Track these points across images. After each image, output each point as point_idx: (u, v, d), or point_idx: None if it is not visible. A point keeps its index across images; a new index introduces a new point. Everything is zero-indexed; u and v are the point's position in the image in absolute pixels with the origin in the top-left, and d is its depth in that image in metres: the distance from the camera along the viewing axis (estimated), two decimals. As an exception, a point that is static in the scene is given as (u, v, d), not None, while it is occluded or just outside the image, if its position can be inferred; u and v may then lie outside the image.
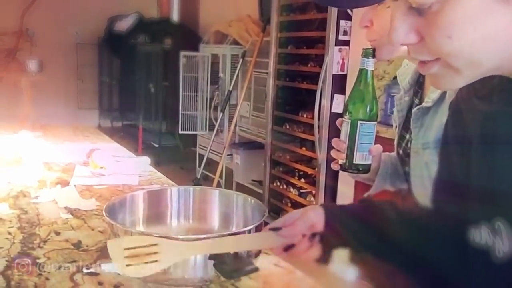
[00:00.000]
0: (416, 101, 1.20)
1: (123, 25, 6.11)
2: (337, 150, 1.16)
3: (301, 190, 3.50)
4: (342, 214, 0.96)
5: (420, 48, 0.60)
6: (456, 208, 0.73)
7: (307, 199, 3.40)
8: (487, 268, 0.67)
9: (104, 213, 0.96)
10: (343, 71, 3.13)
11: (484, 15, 0.54)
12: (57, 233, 1.16)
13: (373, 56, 1.10)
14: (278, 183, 3.71)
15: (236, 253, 0.87)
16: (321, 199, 3.23)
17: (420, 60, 0.62)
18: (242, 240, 0.91)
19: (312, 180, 3.38)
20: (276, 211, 3.66)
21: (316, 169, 3.28)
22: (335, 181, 3.10)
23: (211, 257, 0.86)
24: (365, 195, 1.27)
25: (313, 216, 0.92)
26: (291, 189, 3.57)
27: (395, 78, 1.32)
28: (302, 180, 3.48)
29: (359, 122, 1.11)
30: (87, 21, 6.23)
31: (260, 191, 3.88)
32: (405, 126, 1.24)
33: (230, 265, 0.85)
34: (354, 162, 1.13)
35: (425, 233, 0.83)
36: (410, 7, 0.58)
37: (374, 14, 1.11)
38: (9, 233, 1.15)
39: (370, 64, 1.10)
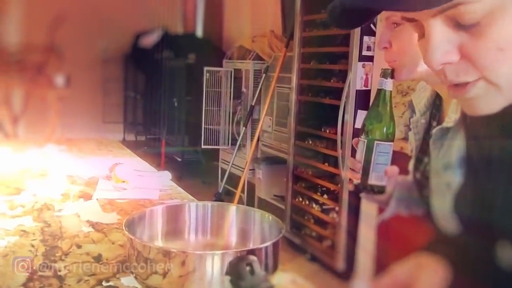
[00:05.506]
0: (434, 123, 1.18)
1: (149, 40, 6.21)
2: (353, 170, 1.15)
3: (324, 207, 3.47)
4: None
5: (460, 69, 0.55)
6: (481, 228, 0.72)
7: (330, 215, 3.37)
8: None
9: (123, 227, 0.97)
10: (367, 87, 3.11)
11: None
12: (79, 246, 1.17)
13: (392, 77, 1.09)
14: (301, 199, 3.69)
15: (252, 270, 0.87)
16: (345, 216, 3.20)
17: (455, 84, 0.57)
18: None
19: (335, 197, 3.36)
20: (298, 227, 3.64)
21: (339, 185, 3.26)
22: (358, 198, 3.07)
23: (228, 272, 0.86)
24: (379, 219, 1.25)
25: None
26: (314, 205, 3.55)
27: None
28: (325, 196, 3.45)
29: (376, 142, 1.10)
30: (113, 37, 6.35)
31: (282, 207, 3.87)
32: (423, 149, 1.22)
33: (247, 281, 0.85)
34: (369, 182, 1.12)
35: (452, 255, 0.81)
36: (451, 25, 0.54)
37: (392, 35, 1.10)
38: (32, 246, 1.17)
39: (388, 85, 1.10)
